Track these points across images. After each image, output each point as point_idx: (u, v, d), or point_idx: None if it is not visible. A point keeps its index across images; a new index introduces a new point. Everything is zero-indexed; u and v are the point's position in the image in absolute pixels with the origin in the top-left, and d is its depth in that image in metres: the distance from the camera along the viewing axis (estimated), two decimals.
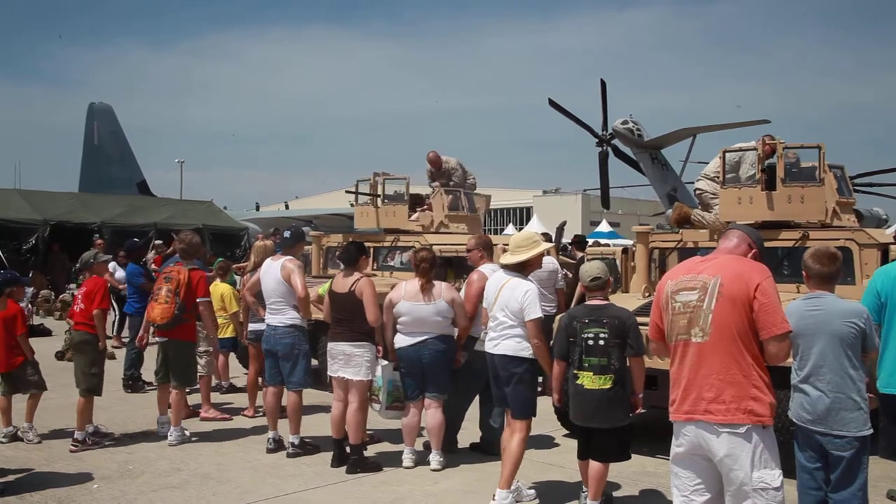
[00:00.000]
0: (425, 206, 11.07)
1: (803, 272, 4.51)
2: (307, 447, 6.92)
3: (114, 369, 8.33)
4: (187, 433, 7.38)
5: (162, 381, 7.56)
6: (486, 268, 6.67)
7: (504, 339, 5.53)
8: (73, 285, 18.05)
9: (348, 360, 6.44)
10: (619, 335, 5.07)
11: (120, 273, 12.63)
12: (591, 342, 5.09)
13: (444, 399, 6.54)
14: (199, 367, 8.28)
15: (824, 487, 4.32)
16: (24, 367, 7.24)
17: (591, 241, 18.55)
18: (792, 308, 4.33)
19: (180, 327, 7.36)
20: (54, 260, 21.11)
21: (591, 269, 5.31)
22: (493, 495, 5.42)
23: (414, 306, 6.40)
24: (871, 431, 4.26)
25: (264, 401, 7.44)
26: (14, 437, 7.28)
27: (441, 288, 6.48)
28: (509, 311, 5.49)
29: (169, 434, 7.29)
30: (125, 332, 11.70)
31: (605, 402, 5.07)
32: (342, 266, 6.69)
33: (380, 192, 10.84)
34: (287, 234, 7.31)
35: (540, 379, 7.18)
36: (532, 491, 5.74)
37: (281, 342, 6.93)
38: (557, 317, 6.30)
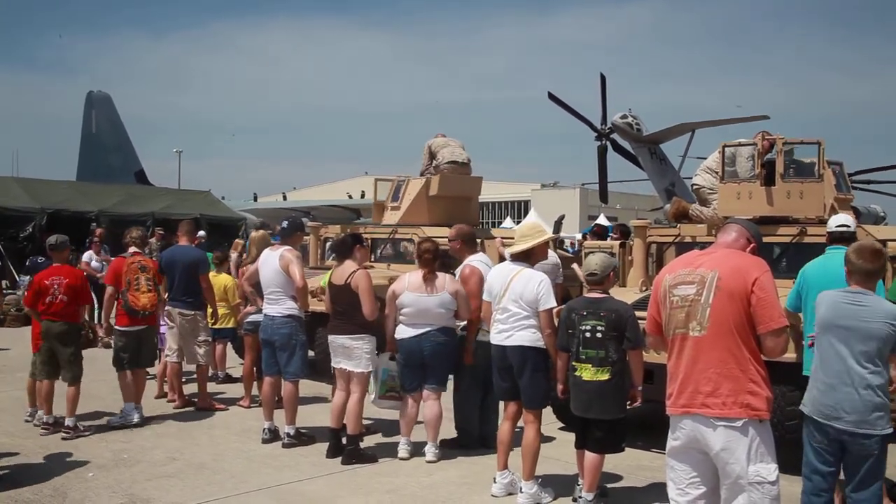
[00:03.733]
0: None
1: (845, 267, 4.35)
2: (303, 438, 6.92)
3: (106, 358, 8.26)
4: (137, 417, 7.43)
5: (129, 367, 7.61)
6: (476, 261, 6.65)
7: (518, 331, 5.50)
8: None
9: (347, 353, 6.43)
10: (616, 328, 5.08)
11: (95, 263, 13.30)
12: (588, 334, 5.11)
13: (443, 391, 6.53)
14: (198, 356, 8.29)
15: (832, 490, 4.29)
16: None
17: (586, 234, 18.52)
18: (828, 298, 4.27)
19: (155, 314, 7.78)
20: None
21: (590, 263, 5.33)
22: (520, 489, 5.45)
23: (417, 298, 6.37)
24: (891, 430, 4.15)
25: (260, 391, 7.45)
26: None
27: (444, 279, 6.43)
28: (524, 301, 5.47)
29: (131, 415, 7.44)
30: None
31: (603, 394, 5.08)
32: (333, 256, 6.63)
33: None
34: (285, 223, 7.30)
35: None
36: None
37: (278, 332, 6.93)
38: (555, 310, 6.30)
